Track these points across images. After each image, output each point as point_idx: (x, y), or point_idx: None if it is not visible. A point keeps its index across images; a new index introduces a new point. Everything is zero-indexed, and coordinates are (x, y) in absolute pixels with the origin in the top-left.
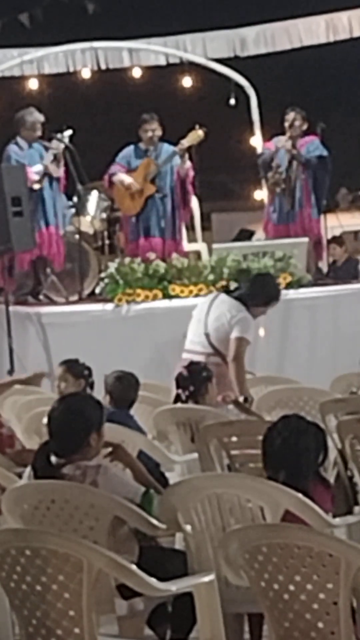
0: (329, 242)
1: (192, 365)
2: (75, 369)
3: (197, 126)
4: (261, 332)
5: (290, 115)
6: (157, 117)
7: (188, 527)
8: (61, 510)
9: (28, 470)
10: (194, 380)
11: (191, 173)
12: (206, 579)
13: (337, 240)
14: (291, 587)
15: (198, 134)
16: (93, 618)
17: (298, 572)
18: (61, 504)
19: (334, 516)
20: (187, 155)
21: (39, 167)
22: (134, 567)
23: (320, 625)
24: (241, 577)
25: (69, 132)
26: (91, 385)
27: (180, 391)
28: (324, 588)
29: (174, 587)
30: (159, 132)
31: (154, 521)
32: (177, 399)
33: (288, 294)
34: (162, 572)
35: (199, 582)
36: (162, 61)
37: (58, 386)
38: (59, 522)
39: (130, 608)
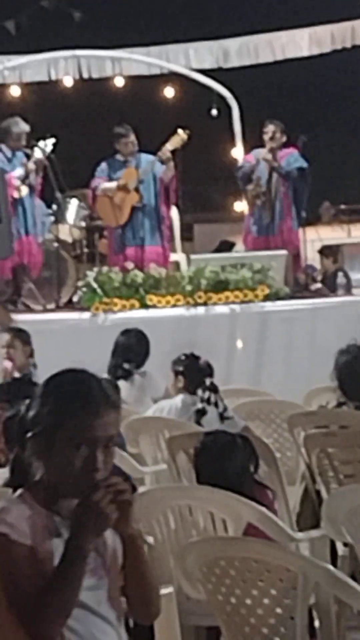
0: (321, 253)
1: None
2: (23, 335)
3: (179, 129)
4: (238, 344)
5: (270, 128)
6: (131, 129)
7: (150, 539)
8: None
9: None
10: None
11: (174, 180)
12: (164, 591)
13: (326, 251)
14: (248, 601)
15: (181, 137)
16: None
17: (255, 586)
18: None
19: (299, 530)
20: (171, 162)
21: (20, 172)
22: None
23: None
24: (199, 590)
25: (51, 140)
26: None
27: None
28: (281, 603)
29: None
30: (135, 144)
31: None
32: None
33: (265, 306)
34: None
35: None
36: (144, 71)
37: (7, 352)
38: None
39: None
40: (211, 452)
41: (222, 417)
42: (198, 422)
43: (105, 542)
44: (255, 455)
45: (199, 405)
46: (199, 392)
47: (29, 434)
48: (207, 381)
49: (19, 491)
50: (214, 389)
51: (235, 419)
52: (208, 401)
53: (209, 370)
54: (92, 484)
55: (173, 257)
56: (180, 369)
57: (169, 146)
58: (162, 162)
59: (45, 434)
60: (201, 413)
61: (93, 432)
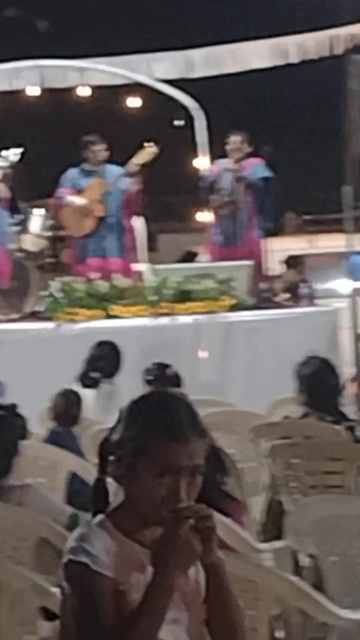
0: (285, 263)
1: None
2: None
3: (148, 144)
4: (202, 354)
5: (234, 138)
6: (102, 139)
7: None
8: None
9: None
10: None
11: (140, 193)
12: None
13: (290, 262)
14: None
15: (152, 150)
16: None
17: None
18: None
19: (263, 541)
20: (136, 178)
21: None
22: (54, 589)
23: None
24: None
25: (18, 150)
26: None
27: None
28: (244, 614)
29: None
30: (104, 153)
31: None
32: None
33: (229, 317)
34: None
35: None
36: (108, 81)
37: None
38: None
39: (54, 630)
40: None
41: None
42: None
43: (187, 573)
44: (224, 466)
45: None
46: None
47: (111, 458)
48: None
49: (99, 517)
50: None
51: None
52: None
53: (176, 380)
54: (175, 514)
55: (137, 267)
56: (149, 377)
57: (138, 160)
58: (130, 175)
59: (128, 459)
60: None
61: (178, 461)
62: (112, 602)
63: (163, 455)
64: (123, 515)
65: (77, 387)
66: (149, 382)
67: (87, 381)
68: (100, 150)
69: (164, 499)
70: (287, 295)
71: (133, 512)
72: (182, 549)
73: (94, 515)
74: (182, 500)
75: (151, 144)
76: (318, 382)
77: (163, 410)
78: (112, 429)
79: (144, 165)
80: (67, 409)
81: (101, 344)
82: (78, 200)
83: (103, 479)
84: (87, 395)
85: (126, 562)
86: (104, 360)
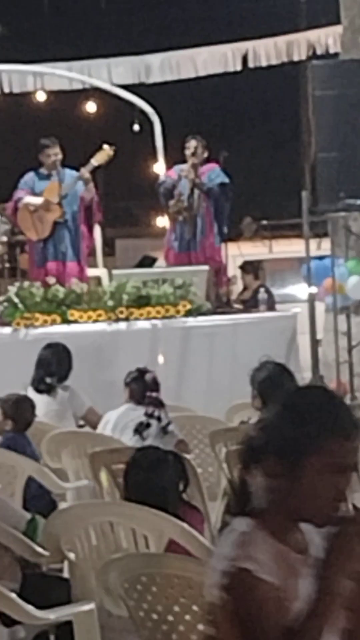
0: (242, 268)
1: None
2: None
3: (105, 145)
4: (160, 359)
5: (192, 143)
6: (57, 142)
7: (72, 555)
8: None
9: None
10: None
11: (96, 199)
12: (85, 607)
13: (247, 267)
14: (170, 618)
15: (108, 152)
16: None
17: (177, 602)
18: None
19: None
20: (91, 184)
21: None
22: (11, 594)
23: None
24: (120, 606)
25: None
26: None
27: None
28: (203, 619)
29: (53, 615)
30: (60, 157)
31: (38, 548)
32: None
33: (187, 322)
34: (46, 600)
35: (78, 611)
36: (66, 86)
37: None
38: None
39: (11, 636)
40: (141, 468)
41: (165, 431)
42: (140, 435)
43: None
44: (185, 473)
45: (143, 419)
46: (145, 406)
47: (266, 455)
48: (153, 395)
49: (250, 521)
50: (158, 403)
51: (174, 433)
52: (152, 415)
53: (153, 386)
54: (339, 514)
55: (94, 272)
56: (128, 380)
57: (94, 162)
58: (84, 180)
59: (293, 457)
60: (144, 426)
61: (349, 458)
62: (277, 612)
63: (337, 453)
64: (273, 518)
65: (31, 392)
66: (127, 384)
67: (42, 386)
68: (55, 153)
69: (328, 499)
70: (245, 300)
71: (286, 513)
72: (350, 553)
73: (234, 516)
74: (346, 499)
75: (109, 146)
76: (272, 386)
77: (333, 407)
78: (262, 426)
79: (99, 167)
80: (21, 414)
81: (51, 346)
82: (35, 200)
83: (247, 478)
84: (41, 400)
85: (284, 568)
86: (55, 363)
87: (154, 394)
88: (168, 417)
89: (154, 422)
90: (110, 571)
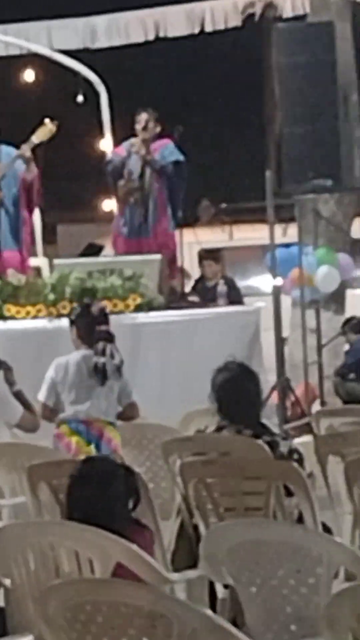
0: (203, 256)
1: None
2: None
3: (46, 120)
4: None
5: (142, 116)
6: None
7: (7, 581)
8: None
9: None
10: None
11: (37, 180)
12: None
13: (205, 255)
14: None
15: (49, 128)
16: None
17: (125, 633)
18: None
19: (175, 570)
20: (33, 163)
21: None
22: None
23: None
24: (61, 638)
25: None
26: None
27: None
28: None
29: None
30: None
31: None
32: None
33: (138, 318)
34: None
35: None
36: (2, 51)
37: None
38: None
39: None
40: (87, 482)
41: (120, 372)
42: (101, 382)
43: None
44: (136, 489)
45: (94, 360)
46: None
47: None
48: (102, 328)
49: None
50: (108, 338)
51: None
52: (103, 352)
53: (102, 318)
54: None
55: (34, 262)
56: (72, 317)
57: (35, 139)
58: (25, 159)
59: None
60: (100, 371)
61: None
62: None
63: None
64: None
65: None
66: (72, 322)
67: None
68: None
69: None
70: (203, 293)
71: None
72: None
73: None
74: None
75: (51, 120)
76: (234, 390)
77: None
78: None
79: (40, 144)
80: None
81: None
82: None
83: None
84: None
85: None
86: None
87: (103, 327)
88: (120, 354)
89: (107, 360)
90: (50, 599)
